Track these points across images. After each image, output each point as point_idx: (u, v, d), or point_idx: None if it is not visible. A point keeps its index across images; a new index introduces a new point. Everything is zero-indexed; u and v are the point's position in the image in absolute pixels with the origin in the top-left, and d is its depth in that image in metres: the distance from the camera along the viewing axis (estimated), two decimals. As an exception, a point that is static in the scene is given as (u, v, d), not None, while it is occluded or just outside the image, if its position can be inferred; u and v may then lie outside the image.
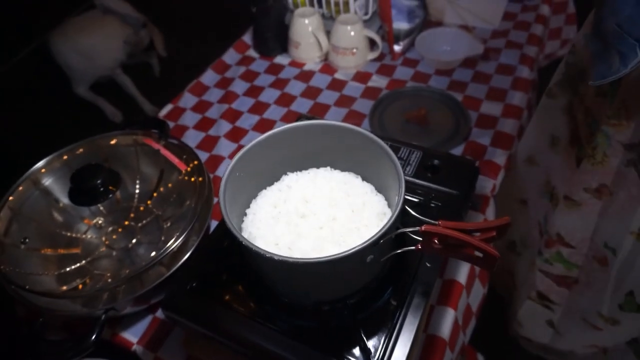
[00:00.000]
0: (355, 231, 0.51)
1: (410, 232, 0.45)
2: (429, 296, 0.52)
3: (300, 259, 0.43)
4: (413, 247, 0.46)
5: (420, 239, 0.44)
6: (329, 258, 0.42)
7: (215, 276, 0.56)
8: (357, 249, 0.42)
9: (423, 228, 0.43)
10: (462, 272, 0.65)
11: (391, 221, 0.44)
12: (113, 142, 0.74)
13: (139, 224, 0.70)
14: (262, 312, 0.53)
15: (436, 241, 0.44)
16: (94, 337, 0.56)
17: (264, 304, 0.54)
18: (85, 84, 1.94)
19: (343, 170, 0.58)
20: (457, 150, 0.83)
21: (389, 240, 0.47)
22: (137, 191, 0.74)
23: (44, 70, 1.91)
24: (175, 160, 0.72)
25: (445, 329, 0.59)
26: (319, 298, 0.52)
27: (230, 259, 0.57)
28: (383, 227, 0.44)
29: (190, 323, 0.53)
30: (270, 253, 0.43)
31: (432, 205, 0.62)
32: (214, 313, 0.53)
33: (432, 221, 0.44)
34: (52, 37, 1.82)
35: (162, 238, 0.68)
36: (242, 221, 0.55)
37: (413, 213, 0.47)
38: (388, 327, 0.50)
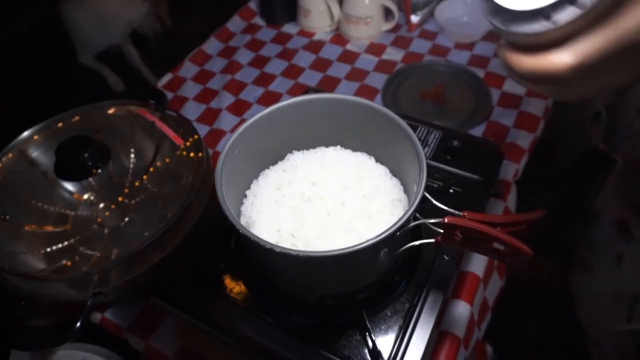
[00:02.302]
0: (366, 218, 0.47)
1: (431, 223, 0.41)
2: (445, 292, 0.49)
3: (305, 252, 0.38)
4: (432, 240, 0.42)
5: (441, 230, 0.41)
6: (337, 252, 0.37)
7: (212, 262, 0.53)
8: (370, 242, 0.38)
9: (446, 220, 0.38)
10: (479, 263, 0.60)
11: (411, 210, 0.40)
12: (106, 112, 0.69)
13: (133, 201, 0.65)
14: (260, 305, 0.49)
15: (458, 234, 0.40)
16: (79, 323, 0.51)
17: (263, 296, 0.50)
18: (92, 52, 1.86)
19: (355, 150, 0.54)
20: (477, 131, 0.77)
21: (405, 231, 0.42)
22: (131, 166, 0.68)
23: (45, 37, 1.83)
24: (171, 134, 0.67)
25: (460, 326, 0.55)
26: (324, 293, 0.48)
27: (228, 244, 0.54)
28: (401, 218, 0.39)
29: (183, 313, 0.50)
30: (270, 244, 0.39)
31: (452, 191, 0.57)
32: (208, 303, 0.49)
33: (457, 212, 0.40)
34: (64, 3, 1.73)
35: (157, 217, 0.63)
36: (242, 203, 0.51)
37: (434, 202, 0.42)
38: (400, 327, 0.46)
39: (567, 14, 0.23)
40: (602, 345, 0.86)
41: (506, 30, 0.26)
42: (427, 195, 0.42)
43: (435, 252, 0.50)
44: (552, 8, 0.23)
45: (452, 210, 0.41)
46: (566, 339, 0.97)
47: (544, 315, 1.02)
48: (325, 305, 0.48)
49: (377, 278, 0.47)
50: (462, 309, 0.56)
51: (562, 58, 0.23)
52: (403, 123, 0.46)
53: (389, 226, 0.39)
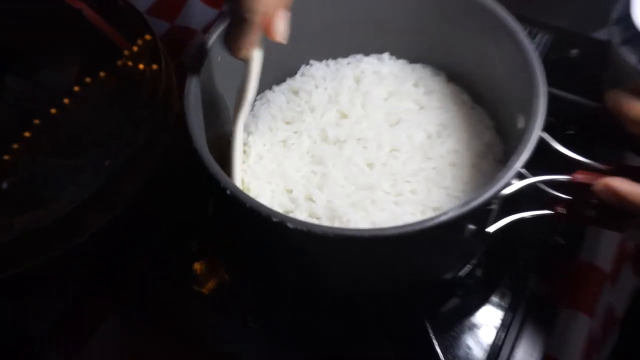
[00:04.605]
0: (431, 176, 0.46)
1: (551, 182, 0.39)
2: (558, 298, 0.48)
3: (339, 230, 0.37)
4: (549, 212, 0.40)
5: (566, 197, 0.39)
6: (393, 233, 0.35)
7: (177, 236, 0.54)
8: (450, 216, 0.35)
9: (579, 177, 0.37)
10: (606, 250, 0.57)
11: (520, 161, 0.37)
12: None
13: (48, 139, 0.63)
14: (249, 305, 0.49)
15: (594, 201, 0.38)
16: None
17: (255, 291, 0.50)
18: None
19: (413, 60, 0.54)
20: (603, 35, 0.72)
21: (505, 198, 0.39)
22: (46, 82, 0.66)
23: None
24: (109, 31, 0.66)
25: (574, 350, 0.52)
26: (359, 289, 0.48)
27: (204, 209, 0.54)
28: (503, 173, 0.36)
29: (132, 313, 0.52)
30: (279, 215, 0.37)
31: (568, 133, 0.55)
32: (171, 300, 0.51)
33: (597, 164, 0.38)
34: None
35: (90, 164, 0.60)
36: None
37: (558, 147, 0.39)
38: (487, 351, 0.45)
39: None
40: None
41: None
42: (545, 136, 0.39)
43: (548, 232, 0.49)
44: None
45: (592, 162, 0.38)
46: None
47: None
48: (358, 308, 0.48)
49: (451, 273, 0.46)
50: (578, 324, 0.53)
51: None
52: (503, 12, 0.44)
53: (478, 187, 0.39)
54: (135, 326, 0.55)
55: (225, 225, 0.53)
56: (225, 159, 0.48)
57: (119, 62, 0.63)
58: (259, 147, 0.48)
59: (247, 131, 0.50)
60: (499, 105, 0.48)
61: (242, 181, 0.47)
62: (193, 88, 0.43)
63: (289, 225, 0.36)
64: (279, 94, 0.51)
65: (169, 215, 0.56)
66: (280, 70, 0.52)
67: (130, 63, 0.63)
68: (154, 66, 0.61)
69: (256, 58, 0.42)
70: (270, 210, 0.37)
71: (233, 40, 0.40)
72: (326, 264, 0.46)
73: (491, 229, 0.41)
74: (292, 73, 0.53)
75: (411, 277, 0.46)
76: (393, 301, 0.48)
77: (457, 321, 0.47)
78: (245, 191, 0.45)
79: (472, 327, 0.46)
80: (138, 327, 0.54)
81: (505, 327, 0.46)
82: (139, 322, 0.53)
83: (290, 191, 0.45)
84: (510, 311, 0.47)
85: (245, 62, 0.42)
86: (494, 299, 0.47)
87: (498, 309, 0.47)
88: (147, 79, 0.61)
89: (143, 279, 0.52)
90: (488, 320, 0.47)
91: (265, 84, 0.52)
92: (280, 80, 0.53)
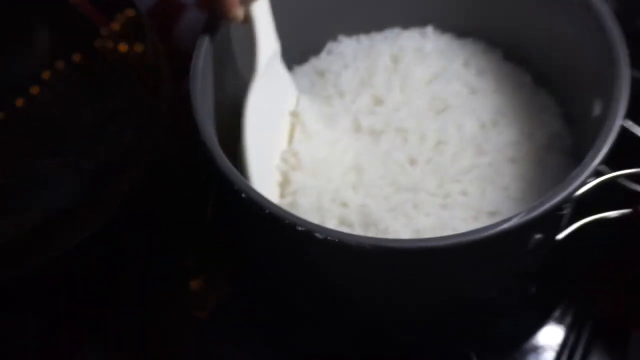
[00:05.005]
0: (486, 172, 0.46)
1: (630, 176, 0.40)
2: (633, 321, 0.48)
3: (376, 240, 0.36)
4: (628, 211, 0.41)
5: None
6: (446, 243, 0.35)
7: (171, 247, 0.54)
8: (515, 222, 0.34)
9: None
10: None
11: (601, 155, 0.37)
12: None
13: (13, 136, 0.63)
14: (257, 328, 0.50)
15: None
16: None
17: (264, 312, 0.51)
18: None
19: (462, 34, 0.55)
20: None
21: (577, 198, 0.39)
22: (9, 68, 0.67)
23: None
24: (85, 5, 0.66)
25: None
26: (393, 312, 0.48)
27: (202, 214, 0.54)
28: (582, 168, 0.36)
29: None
30: (304, 223, 0.36)
31: None
32: (161, 323, 0.51)
33: None
34: None
35: (65, 167, 0.61)
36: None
37: None
38: None
39: None
40: None
41: None
42: (628, 125, 0.40)
43: (621, 238, 0.49)
44: None
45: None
46: None
47: None
48: (390, 336, 0.48)
49: (508, 292, 0.47)
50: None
51: None
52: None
53: (544, 187, 0.40)
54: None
55: (229, 232, 0.54)
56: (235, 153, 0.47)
57: (96, 43, 0.63)
58: (309, 126, 0.48)
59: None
60: (567, 88, 0.48)
61: (279, 169, 0.47)
62: (201, 67, 0.42)
63: (317, 235, 0.35)
64: (301, 76, 0.52)
65: (163, 221, 0.57)
66: (302, 47, 0.53)
67: (110, 45, 0.63)
68: (138, 47, 0.61)
69: (258, 14, 0.41)
70: (294, 216, 0.36)
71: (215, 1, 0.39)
72: (355, 281, 0.45)
73: (560, 235, 0.40)
74: (316, 51, 0.53)
75: (459, 298, 0.46)
76: (433, 327, 0.48)
77: (508, 348, 0.47)
78: (285, 184, 0.45)
79: (528, 352, 0.47)
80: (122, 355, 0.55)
81: (566, 349, 0.46)
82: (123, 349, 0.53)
83: (337, 190, 0.45)
84: (574, 333, 0.47)
85: (246, 25, 0.42)
86: (554, 318, 0.48)
87: (559, 328, 0.47)
88: (131, 62, 0.62)
89: (126, 301, 0.53)
90: (546, 343, 0.47)
91: (286, 64, 0.52)
92: (302, 59, 0.53)
